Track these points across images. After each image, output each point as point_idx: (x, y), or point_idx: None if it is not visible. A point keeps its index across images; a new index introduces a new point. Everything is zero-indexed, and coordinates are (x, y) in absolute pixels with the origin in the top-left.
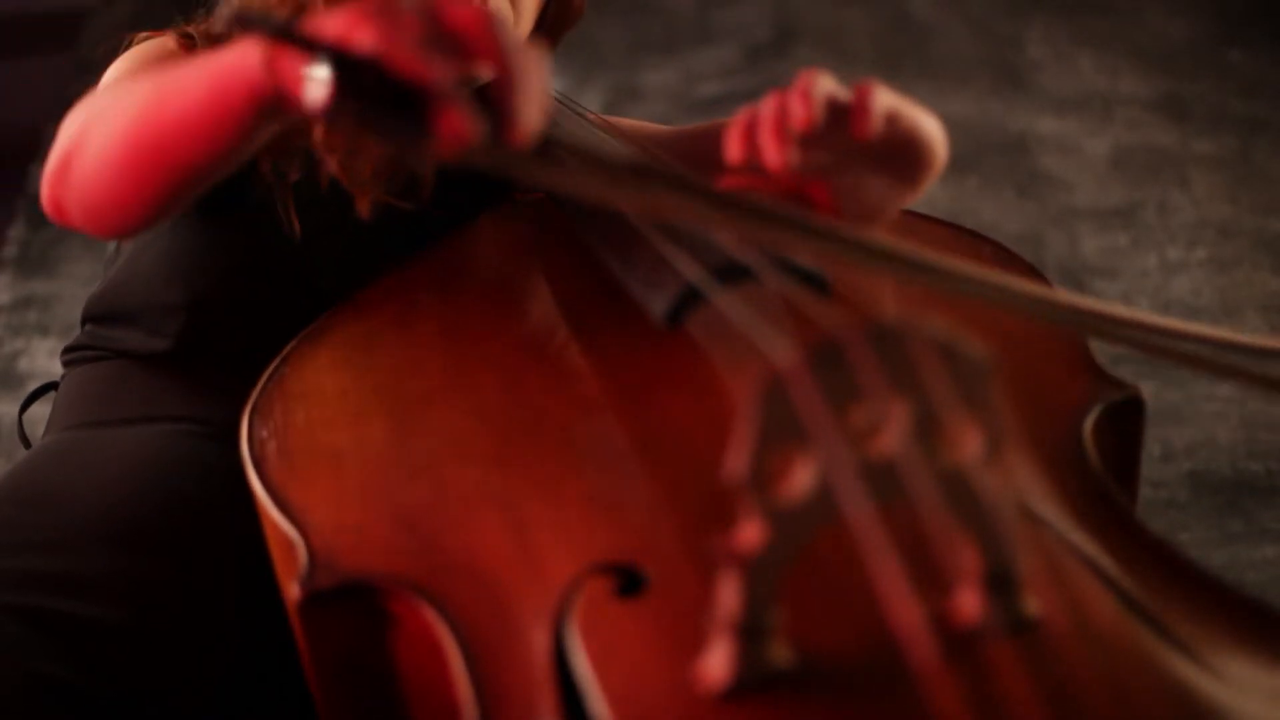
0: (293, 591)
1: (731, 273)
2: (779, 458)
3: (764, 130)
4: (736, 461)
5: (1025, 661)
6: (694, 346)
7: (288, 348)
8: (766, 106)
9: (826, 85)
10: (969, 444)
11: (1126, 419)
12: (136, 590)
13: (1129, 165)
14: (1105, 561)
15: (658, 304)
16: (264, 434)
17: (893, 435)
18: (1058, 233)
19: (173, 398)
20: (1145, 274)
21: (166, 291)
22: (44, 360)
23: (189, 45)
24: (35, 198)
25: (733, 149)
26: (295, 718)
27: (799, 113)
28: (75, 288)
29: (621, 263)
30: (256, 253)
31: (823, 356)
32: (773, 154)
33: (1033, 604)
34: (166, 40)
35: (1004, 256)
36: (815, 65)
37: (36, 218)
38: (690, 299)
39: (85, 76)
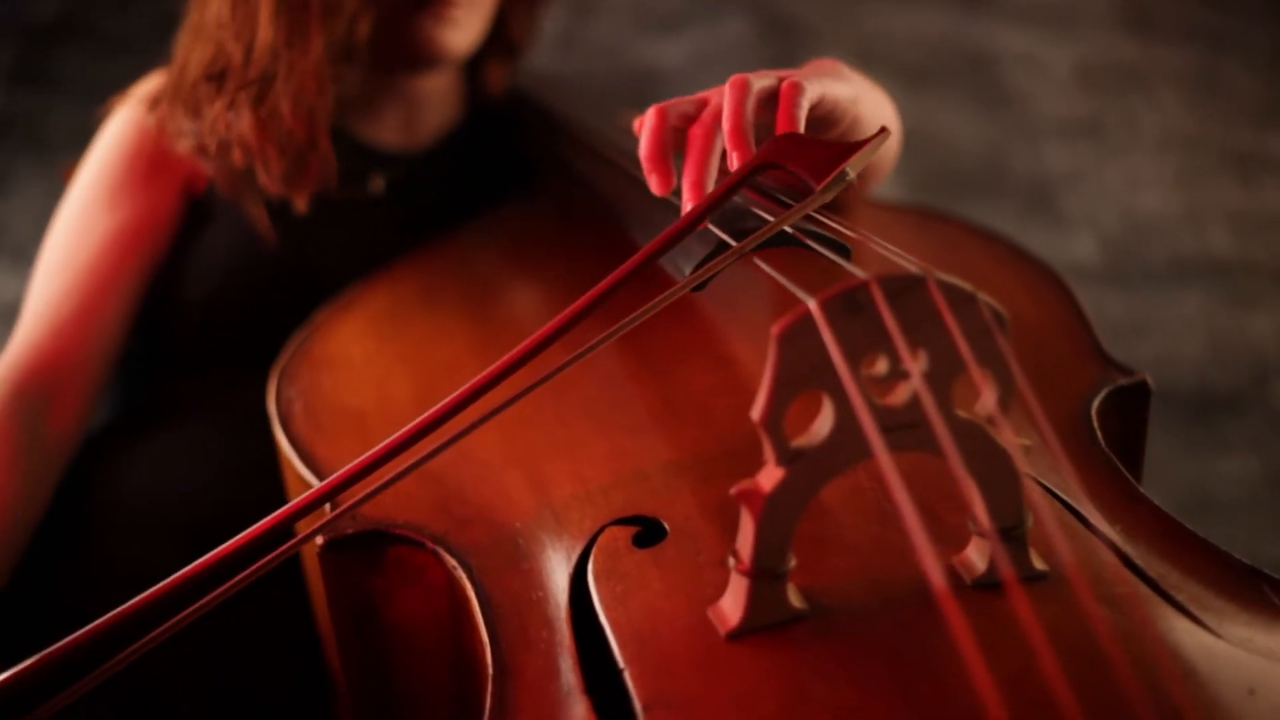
0: (315, 541)
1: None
2: (800, 403)
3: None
4: (759, 405)
5: (1036, 612)
6: (713, 317)
7: (316, 318)
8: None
9: (753, 95)
10: (983, 397)
11: (1133, 402)
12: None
13: (1094, 78)
14: (1109, 530)
15: (686, 267)
16: (291, 394)
17: (910, 385)
18: (1022, 147)
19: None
20: (1110, 188)
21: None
22: None
23: (169, 127)
24: None
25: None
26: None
27: (732, 149)
28: (25, 206)
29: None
30: (241, 260)
31: (844, 304)
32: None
33: (1039, 561)
34: (144, 127)
35: (983, 240)
36: None
37: None
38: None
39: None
